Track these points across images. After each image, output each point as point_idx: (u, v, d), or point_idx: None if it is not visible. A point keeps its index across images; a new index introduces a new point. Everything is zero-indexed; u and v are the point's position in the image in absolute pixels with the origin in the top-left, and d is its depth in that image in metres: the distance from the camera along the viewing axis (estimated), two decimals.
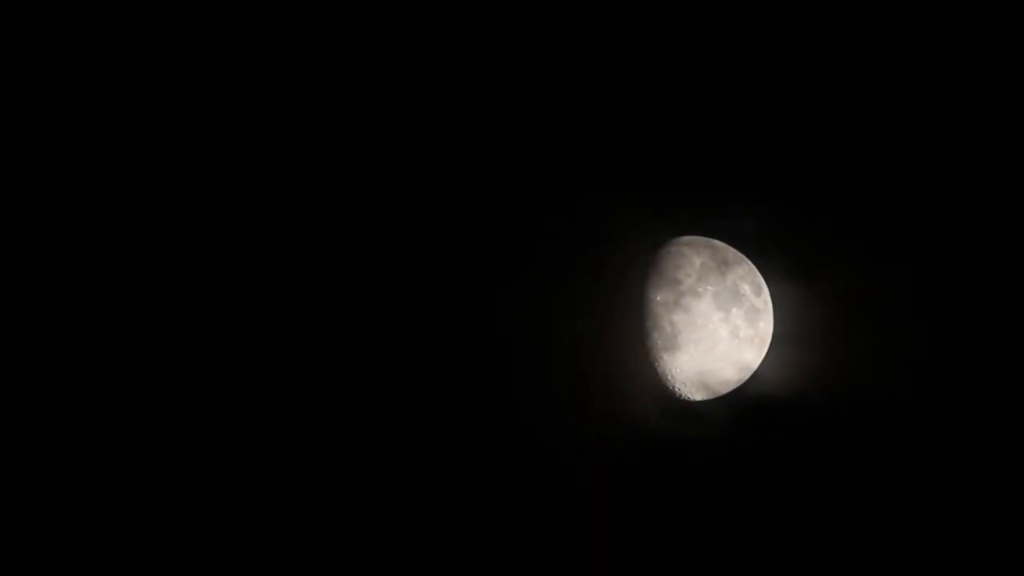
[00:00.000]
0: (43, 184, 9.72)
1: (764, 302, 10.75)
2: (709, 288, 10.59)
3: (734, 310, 10.60)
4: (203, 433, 9.74)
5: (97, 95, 9.77)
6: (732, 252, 10.80)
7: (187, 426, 9.70)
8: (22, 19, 9.56)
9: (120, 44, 9.78)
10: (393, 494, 10.01)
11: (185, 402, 9.71)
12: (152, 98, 9.82)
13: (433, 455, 10.17)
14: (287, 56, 10.12)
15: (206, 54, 9.89)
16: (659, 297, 10.57)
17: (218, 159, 9.90)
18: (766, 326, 10.74)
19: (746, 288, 10.69)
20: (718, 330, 10.56)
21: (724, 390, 10.72)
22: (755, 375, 10.74)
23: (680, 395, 10.67)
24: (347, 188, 10.22)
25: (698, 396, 10.70)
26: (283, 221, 10.08)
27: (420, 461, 10.11)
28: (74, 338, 9.66)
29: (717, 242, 10.82)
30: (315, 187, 10.13)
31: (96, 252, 9.72)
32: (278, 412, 9.90)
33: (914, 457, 10.67)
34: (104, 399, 9.60)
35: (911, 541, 10.57)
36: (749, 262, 10.81)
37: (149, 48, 9.83)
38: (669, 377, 10.60)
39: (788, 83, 10.77)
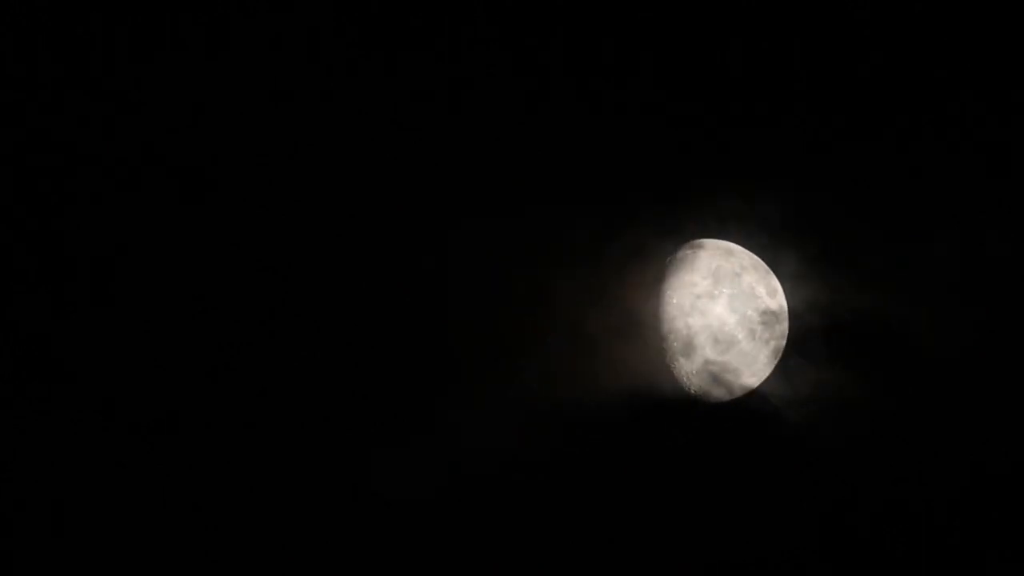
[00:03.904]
0: None
1: (779, 305, 10.67)
2: (725, 291, 10.57)
3: (749, 313, 10.54)
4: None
5: None
6: (748, 255, 10.81)
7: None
8: None
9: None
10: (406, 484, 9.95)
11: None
12: None
13: (450, 455, 10.08)
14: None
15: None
16: (675, 300, 10.54)
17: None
18: (781, 328, 10.62)
19: (761, 291, 10.67)
20: (734, 333, 10.48)
21: (740, 392, 10.68)
22: (770, 377, 10.68)
23: (696, 397, 10.56)
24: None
25: (714, 398, 10.64)
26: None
27: (432, 456, 10.03)
28: None
29: (733, 245, 10.83)
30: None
31: None
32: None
33: (924, 457, 10.61)
34: None
35: (918, 538, 10.52)
36: (765, 265, 10.78)
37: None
38: (685, 379, 10.52)
39: (802, 87, 10.73)
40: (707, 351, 10.52)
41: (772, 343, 10.65)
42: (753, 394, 10.68)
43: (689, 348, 10.52)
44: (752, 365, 10.60)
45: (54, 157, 9.62)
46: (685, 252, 10.75)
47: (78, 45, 9.63)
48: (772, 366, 10.68)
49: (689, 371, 10.54)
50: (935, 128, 10.74)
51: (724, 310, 10.57)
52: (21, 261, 9.57)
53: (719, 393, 10.61)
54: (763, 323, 10.60)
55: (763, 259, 10.84)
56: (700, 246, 10.79)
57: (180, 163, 9.81)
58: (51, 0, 9.56)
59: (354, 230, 10.13)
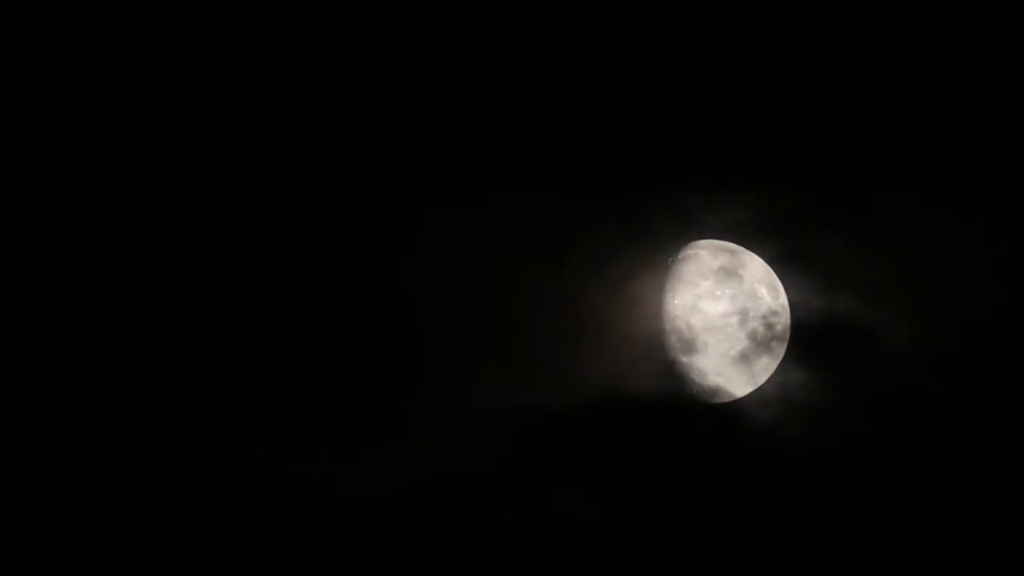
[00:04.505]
0: None
1: (781, 305, 10.63)
2: (727, 291, 10.52)
3: (751, 313, 10.49)
4: None
5: None
6: (749, 255, 10.78)
7: None
8: None
9: None
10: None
11: None
12: None
13: (427, 457, 10.08)
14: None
15: None
16: (677, 300, 10.51)
17: None
18: (784, 328, 10.59)
19: (763, 291, 10.61)
20: (736, 333, 10.46)
21: (742, 392, 10.63)
22: (773, 377, 10.64)
23: (698, 397, 10.55)
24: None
25: (716, 398, 10.62)
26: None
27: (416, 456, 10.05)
28: None
29: (735, 246, 10.81)
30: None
31: None
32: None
33: (931, 457, 10.55)
34: None
35: (922, 541, 10.48)
36: (766, 265, 10.73)
37: None
38: (687, 379, 10.49)
39: (802, 87, 10.72)
40: (709, 351, 10.50)
41: (775, 343, 10.62)
42: (757, 393, 10.64)
43: (691, 349, 10.49)
44: (755, 364, 10.56)
45: (54, 157, 9.62)
46: (687, 253, 10.72)
47: (78, 45, 9.64)
48: (775, 366, 10.63)
49: (691, 371, 10.51)
50: (934, 126, 10.75)
51: (726, 310, 10.54)
52: (21, 261, 9.57)
53: (721, 393, 10.58)
54: (766, 323, 10.57)
55: (765, 259, 10.80)
56: (702, 246, 10.75)
57: (180, 163, 9.82)
58: (51, 0, 9.58)
59: (352, 230, 10.11)
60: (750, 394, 10.62)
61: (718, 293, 10.56)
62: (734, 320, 10.52)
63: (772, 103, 10.72)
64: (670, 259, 10.67)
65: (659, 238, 10.67)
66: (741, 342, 10.51)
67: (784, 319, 10.67)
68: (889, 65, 10.75)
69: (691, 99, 10.70)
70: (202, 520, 9.70)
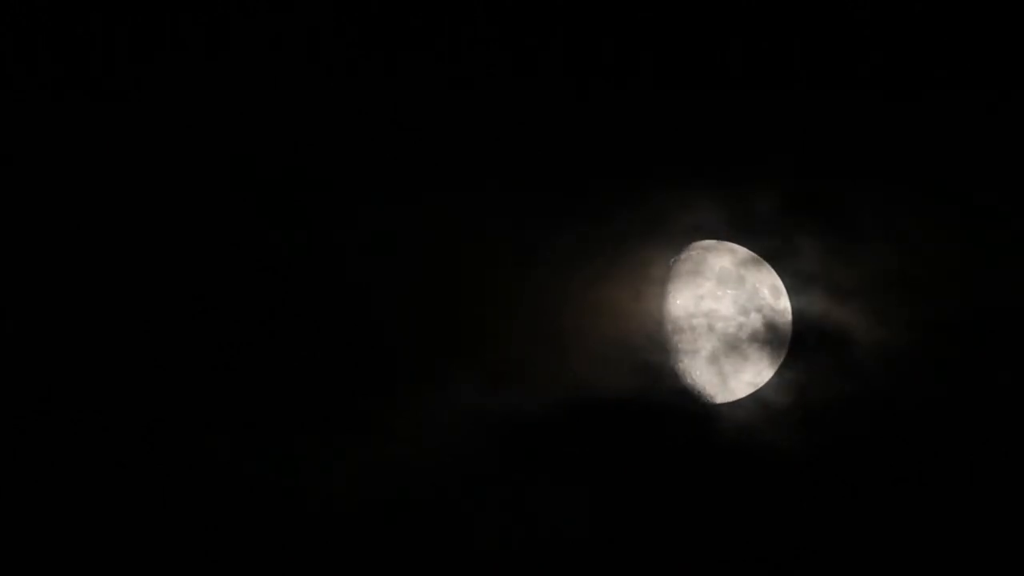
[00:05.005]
0: None
1: (783, 306, 10.59)
2: (729, 292, 10.50)
3: (753, 314, 10.50)
4: None
5: None
6: (752, 256, 10.74)
7: None
8: None
9: None
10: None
11: None
12: None
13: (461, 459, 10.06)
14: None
15: None
16: (679, 301, 10.48)
17: None
18: (785, 329, 10.56)
19: (765, 292, 10.59)
20: (738, 333, 10.44)
21: (743, 392, 10.61)
22: (774, 377, 10.62)
23: (700, 397, 10.50)
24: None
25: (717, 398, 10.59)
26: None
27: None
28: None
29: (737, 247, 10.75)
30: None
31: None
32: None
33: (932, 459, 10.51)
34: None
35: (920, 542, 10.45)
36: (769, 266, 10.70)
37: None
38: (689, 379, 10.47)
39: (801, 87, 10.72)
40: (711, 351, 10.48)
41: (776, 343, 10.60)
42: (757, 394, 10.61)
43: (693, 349, 10.47)
44: (756, 365, 10.54)
45: (54, 157, 9.64)
46: (690, 253, 10.71)
47: (78, 45, 9.67)
48: (776, 366, 10.61)
49: (693, 372, 10.49)
50: (930, 126, 10.74)
51: (728, 311, 10.53)
52: (22, 260, 9.58)
53: (723, 394, 10.56)
54: (767, 324, 10.55)
55: (768, 260, 10.78)
56: (705, 247, 10.75)
57: (179, 163, 9.83)
58: (51, 0, 9.62)
59: (352, 229, 10.12)
60: (752, 393, 10.60)
61: (720, 294, 10.56)
62: (735, 320, 10.51)
63: (771, 102, 10.73)
64: (672, 260, 10.66)
65: (664, 240, 10.67)
66: (743, 342, 10.50)
67: (786, 319, 10.65)
68: (887, 65, 10.75)
69: (691, 100, 10.70)
70: (201, 520, 9.66)
